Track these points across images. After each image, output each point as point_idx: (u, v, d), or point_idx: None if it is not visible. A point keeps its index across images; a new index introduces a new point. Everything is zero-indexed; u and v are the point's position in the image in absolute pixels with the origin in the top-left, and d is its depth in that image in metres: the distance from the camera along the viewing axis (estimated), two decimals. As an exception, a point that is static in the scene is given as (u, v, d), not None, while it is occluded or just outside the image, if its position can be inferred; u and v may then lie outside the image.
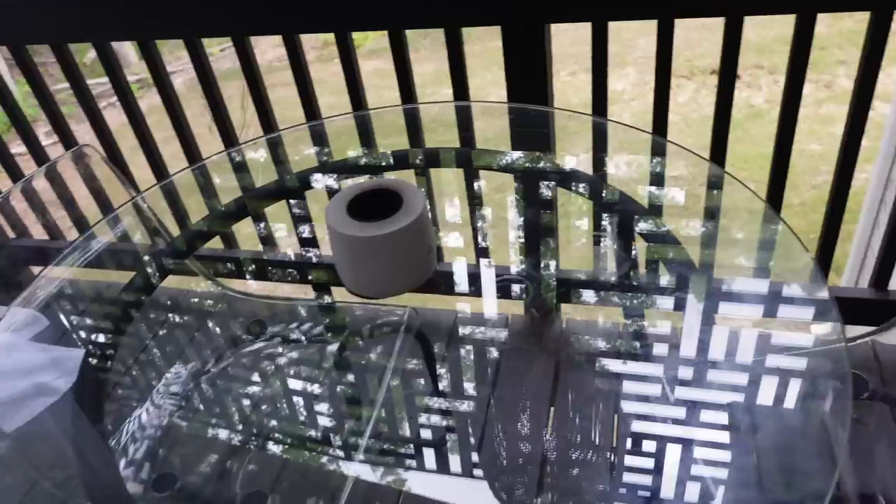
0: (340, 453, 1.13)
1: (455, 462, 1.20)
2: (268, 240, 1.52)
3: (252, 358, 1.27)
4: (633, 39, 5.05)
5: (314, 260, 1.38)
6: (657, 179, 1.22)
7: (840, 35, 4.59)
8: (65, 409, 1.28)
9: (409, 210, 0.82)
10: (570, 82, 4.87)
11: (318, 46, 6.00)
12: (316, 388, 1.23)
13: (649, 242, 1.14)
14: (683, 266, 1.10)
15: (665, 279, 1.18)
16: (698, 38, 4.79)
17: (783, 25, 4.49)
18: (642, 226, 1.16)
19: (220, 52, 5.99)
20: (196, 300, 1.39)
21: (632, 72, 4.90)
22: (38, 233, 1.86)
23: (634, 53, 4.97)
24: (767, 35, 4.61)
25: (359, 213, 0.83)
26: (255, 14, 1.30)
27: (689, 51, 4.77)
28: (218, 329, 1.35)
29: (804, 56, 1.14)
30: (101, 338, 1.21)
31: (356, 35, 1.37)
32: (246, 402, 1.22)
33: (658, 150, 1.26)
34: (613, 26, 1.21)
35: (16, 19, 1.44)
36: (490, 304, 1.51)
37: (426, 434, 1.21)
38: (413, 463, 1.16)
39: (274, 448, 1.18)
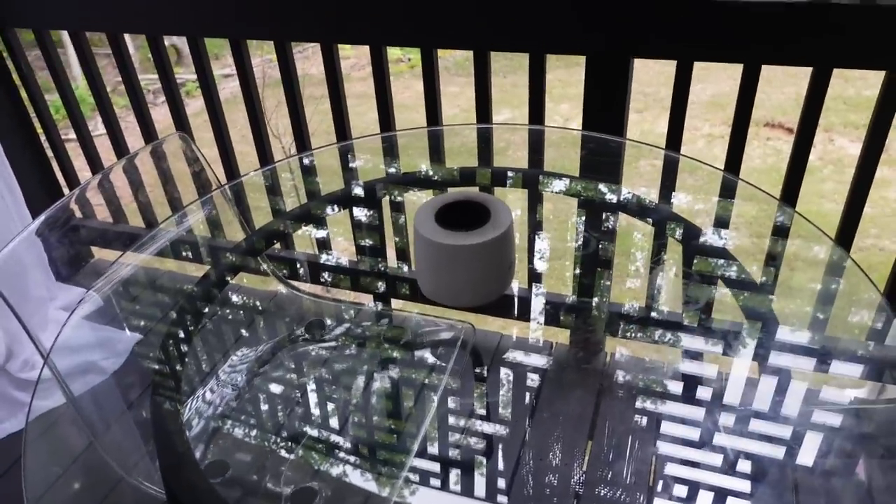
0: (384, 468, 1.14)
1: (483, 487, 1.20)
2: (328, 244, 1.55)
3: (307, 357, 1.29)
4: (687, 84, 5.08)
5: (378, 267, 1.40)
6: (724, 218, 1.22)
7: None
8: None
9: (497, 224, 0.84)
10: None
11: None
12: (367, 396, 1.24)
13: (713, 282, 1.14)
14: (747, 310, 1.10)
15: (719, 322, 1.18)
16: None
17: (843, 85, 4.48)
18: (708, 264, 1.17)
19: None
20: (259, 295, 1.42)
21: (683, 116, 4.91)
22: (103, 215, 1.92)
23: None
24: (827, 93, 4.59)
25: (446, 221, 0.85)
26: (344, 23, 1.35)
27: (744, 101, 4.78)
28: (279, 325, 1.38)
29: (890, 112, 1.15)
30: (168, 327, 1.24)
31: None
32: (298, 399, 1.24)
33: (725, 191, 1.27)
34: (666, 71, 1.22)
35: (114, 7, 1.51)
36: (536, 331, 1.52)
37: (460, 456, 1.21)
38: (445, 484, 1.16)
39: (319, 451, 1.19)
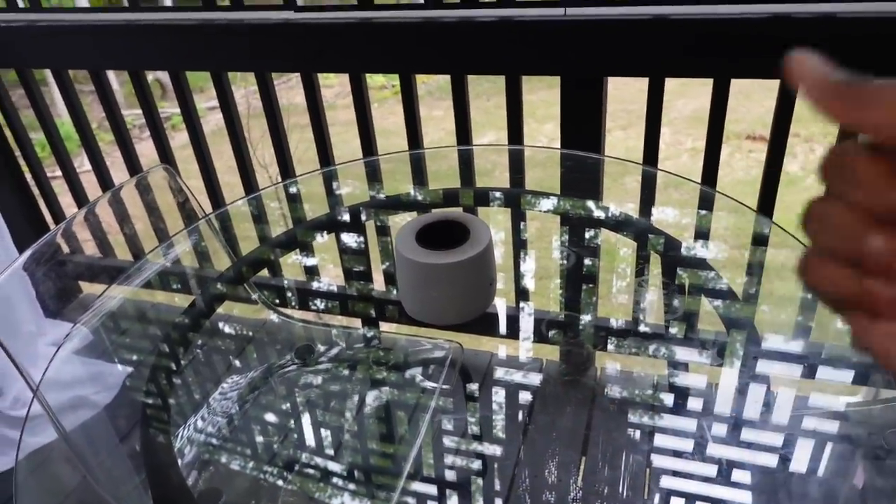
0: (378, 492, 1.14)
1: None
2: (316, 269, 1.56)
3: (297, 383, 1.30)
4: (669, 101, 5.15)
5: (365, 291, 1.41)
6: (703, 230, 1.24)
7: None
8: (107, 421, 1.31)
9: (476, 242, 0.86)
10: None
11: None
12: (356, 420, 1.24)
13: (693, 293, 1.16)
14: (726, 319, 1.11)
15: (705, 332, 1.20)
16: (734, 104, 4.84)
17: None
18: (687, 275, 1.18)
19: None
20: (248, 323, 1.42)
21: (666, 132, 4.98)
22: (92, 249, 1.92)
23: (670, 114, 5.06)
24: (806, 105, 4.66)
25: (427, 241, 0.87)
26: (322, 53, 1.38)
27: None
28: (269, 352, 1.38)
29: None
30: (157, 358, 1.25)
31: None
32: (291, 425, 1.24)
33: (704, 203, 1.29)
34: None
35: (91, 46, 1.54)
36: (526, 348, 1.53)
37: (455, 476, 1.22)
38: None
39: (313, 476, 1.19)
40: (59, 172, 1.90)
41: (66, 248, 1.33)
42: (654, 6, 1.17)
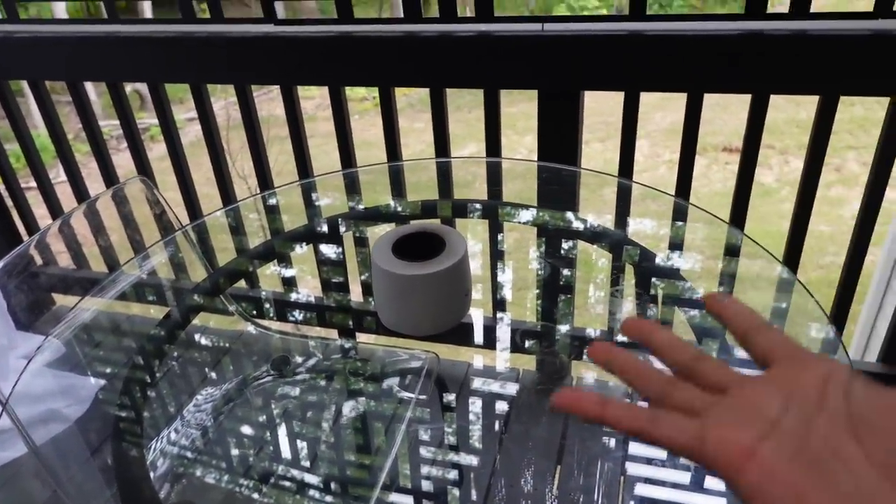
0: (353, 503, 1.14)
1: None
2: (294, 281, 1.56)
3: (273, 394, 1.29)
4: (647, 113, 5.22)
5: (342, 302, 1.41)
6: (677, 242, 1.26)
7: (851, 121, 4.74)
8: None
9: (452, 253, 0.87)
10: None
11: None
12: (332, 431, 1.24)
13: (667, 303, 1.18)
14: (698, 329, 1.13)
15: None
16: (711, 116, 4.94)
17: (795, 108, 4.62)
18: (661, 285, 1.20)
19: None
20: (224, 334, 1.42)
21: (644, 144, 5.04)
22: (66, 261, 1.90)
23: (648, 126, 5.12)
24: (779, 117, 4.76)
25: (403, 252, 0.87)
26: (302, 65, 1.38)
27: (702, 128, 4.94)
28: (245, 363, 1.37)
29: (825, 135, 1.20)
30: (131, 370, 1.24)
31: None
32: (266, 437, 1.24)
33: (679, 215, 1.31)
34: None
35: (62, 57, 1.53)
36: (503, 358, 1.54)
37: (431, 487, 1.22)
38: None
39: (288, 488, 1.19)
40: (33, 183, 1.88)
41: (39, 260, 1.32)
42: (629, 22, 1.20)
